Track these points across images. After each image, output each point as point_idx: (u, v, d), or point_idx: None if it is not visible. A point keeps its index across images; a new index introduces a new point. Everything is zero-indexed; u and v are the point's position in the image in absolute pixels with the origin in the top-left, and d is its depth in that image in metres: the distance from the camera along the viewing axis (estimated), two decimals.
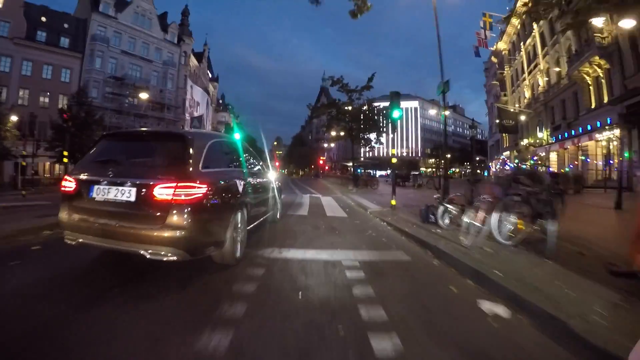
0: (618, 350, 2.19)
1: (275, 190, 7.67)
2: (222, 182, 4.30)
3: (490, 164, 58.79)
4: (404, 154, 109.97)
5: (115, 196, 3.59)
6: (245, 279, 3.85)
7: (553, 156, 33.06)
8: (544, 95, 35.23)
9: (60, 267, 4.15)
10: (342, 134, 27.06)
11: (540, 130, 36.94)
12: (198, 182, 3.63)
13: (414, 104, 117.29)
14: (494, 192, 5.58)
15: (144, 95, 33.03)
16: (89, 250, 4.36)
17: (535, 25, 36.73)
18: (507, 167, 40.62)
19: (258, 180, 6.03)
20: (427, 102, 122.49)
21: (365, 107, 24.74)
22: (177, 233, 3.43)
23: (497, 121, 47.03)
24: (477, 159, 48.56)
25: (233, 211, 4.35)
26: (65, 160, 19.71)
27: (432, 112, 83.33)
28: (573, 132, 28.41)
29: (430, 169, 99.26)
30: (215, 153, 4.48)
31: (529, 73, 40.01)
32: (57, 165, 35.93)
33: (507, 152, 49.79)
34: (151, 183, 3.50)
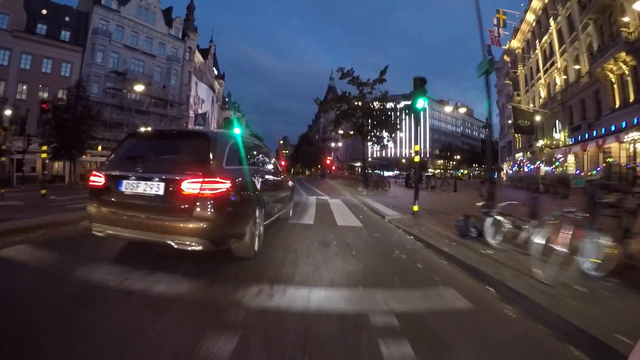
0: None
1: (289, 190, 8.09)
2: (243, 179, 4.48)
3: (502, 165, 57.04)
4: (412, 154, 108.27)
5: (144, 190, 3.81)
6: None
7: (571, 158, 31.28)
8: (562, 94, 33.39)
9: None
10: (351, 132, 25.09)
11: (557, 131, 35.12)
12: (222, 177, 3.85)
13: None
14: (584, 204, 3.92)
15: (139, 88, 31.54)
16: None
17: (552, 22, 34.96)
18: (525, 169, 38.86)
19: (273, 178, 6.24)
20: (436, 102, 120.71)
21: (377, 103, 22.75)
22: (203, 224, 3.65)
23: (511, 121, 45.38)
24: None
25: (252, 206, 4.54)
26: (43, 155, 18.10)
27: (448, 109, 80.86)
28: (595, 133, 26.62)
29: (439, 170, 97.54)
30: (236, 151, 4.70)
31: (545, 72, 38.16)
32: (57, 162, 34.53)
33: (520, 154, 47.96)
34: (179, 178, 3.72)
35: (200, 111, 57.43)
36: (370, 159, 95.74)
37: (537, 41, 40.42)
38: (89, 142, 30.00)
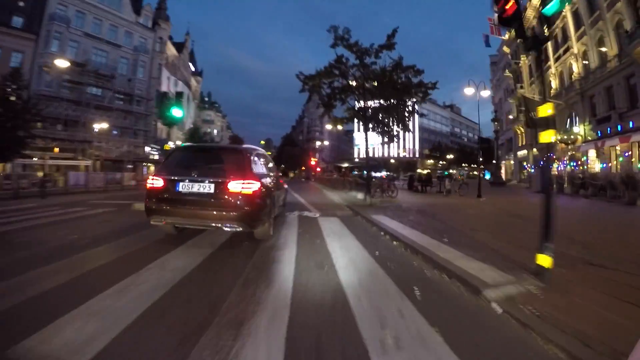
0: None
1: (285, 191, 10.16)
2: (265, 181, 6.06)
3: (501, 164, 52.97)
4: (401, 155, 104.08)
5: (197, 190, 5.22)
6: None
7: (592, 154, 27.00)
8: (580, 83, 29.05)
9: None
10: (345, 120, 17.95)
11: (574, 124, 30.85)
12: (254, 180, 5.45)
13: (410, 101, 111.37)
14: None
15: (62, 63, 25.09)
16: None
17: (566, 4, 30.66)
18: (561, 167, 34.05)
19: (276, 181, 7.98)
20: (430, 102, 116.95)
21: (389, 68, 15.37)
22: (243, 213, 5.19)
23: (512, 116, 41.24)
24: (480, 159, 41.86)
25: (270, 201, 6.24)
26: None
27: (444, 112, 77.05)
28: (632, 125, 22.28)
29: (426, 170, 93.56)
30: (257, 160, 6.43)
31: (557, 60, 33.91)
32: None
33: (524, 152, 43.73)
34: (226, 180, 5.22)
35: None
36: (357, 160, 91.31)
37: (545, 27, 36.23)
38: (27, 141, 24.24)
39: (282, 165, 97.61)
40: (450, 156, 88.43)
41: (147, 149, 42.58)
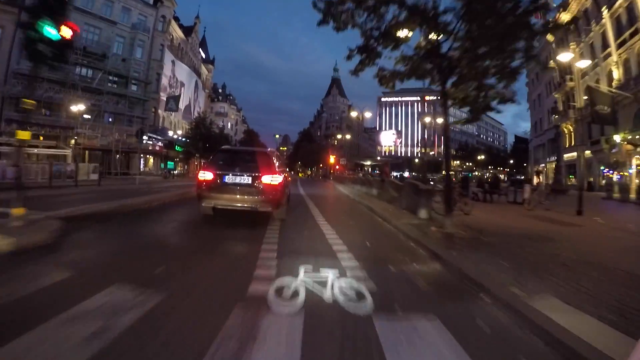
0: None
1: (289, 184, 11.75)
2: (283, 174, 8.30)
3: (535, 169, 46.20)
4: (425, 153, 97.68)
5: (239, 181, 7.00)
6: None
7: None
8: None
9: None
10: (403, 67, 8.43)
11: None
12: (279, 174, 7.40)
13: (435, 97, 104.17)
14: None
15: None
16: None
17: None
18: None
19: (286, 175, 10.32)
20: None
21: None
22: (272, 198, 7.03)
23: (572, 108, 34.52)
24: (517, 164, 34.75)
25: (286, 190, 9.06)
26: None
27: None
28: None
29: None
30: (277, 159, 9.34)
31: (620, 45, 27.21)
32: None
33: (572, 154, 36.86)
34: (261, 175, 7.02)
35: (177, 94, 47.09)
36: (379, 158, 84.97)
37: (604, 8, 29.56)
38: None
39: (299, 162, 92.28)
40: (481, 157, 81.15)
41: (144, 138, 37.40)
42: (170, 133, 43.25)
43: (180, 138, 44.93)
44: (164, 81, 42.74)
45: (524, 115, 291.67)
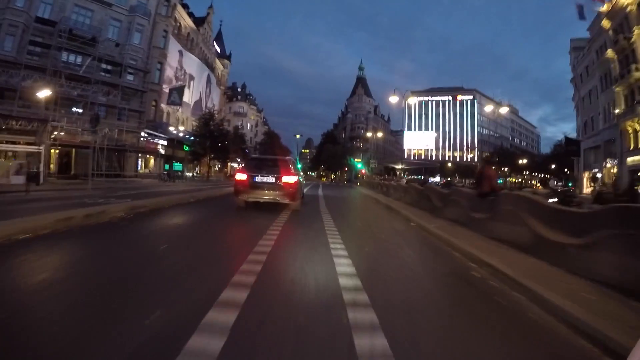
0: None
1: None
2: (299, 176, 11.32)
3: (590, 174, 38.74)
4: (457, 157, 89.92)
5: (266, 180, 9.43)
6: None
7: None
8: None
9: None
10: None
11: None
12: (295, 175, 10.01)
13: (468, 97, 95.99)
14: None
15: None
16: None
17: None
18: None
19: (301, 176, 13.48)
20: (485, 98, 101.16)
21: None
22: (290, 193, 9.44)
23: (619, 109, 27.50)
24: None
25: (302, 188, 12.27)
26: None
27: (503, 110, 63.17)
28: None
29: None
30: (294, 164, 12.13)
31: None
32: None
33: (638, 157, 29.54)
34: (282, 176, 9.47)
35: (186, 89, 42.23)
36: (409, 162, 78.16)
37: None
38: None
39: (322, 166, 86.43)
40: (523, 161, 73.10)
41: (142, 134, 32.40)
42: (174, 130, 38.10)
43: (187, 136, 39.80)
44: (169, 72, 37.78)
45: (549, 119, 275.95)
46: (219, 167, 74.75)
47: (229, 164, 72.68)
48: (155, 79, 35.14)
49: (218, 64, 57.33)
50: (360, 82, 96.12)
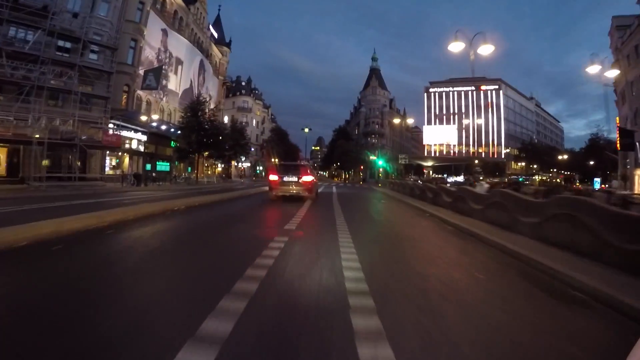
0: None
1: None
2: (315, 176, 18.38)
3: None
4: (482, 153, 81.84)
5: (291, 179, 13.94)
6: None
7: None
8: None
9: None
10: None
11: None
12: (312, 176, 15.19)
13: (493, 87, 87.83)
14: None
15: None
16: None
17: None
18: None
19: (316, 177, 18.76)
20: (511, 89, 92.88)
21: None
22: (309, 188, 14.13)
23: None
24: None
25: (317, 185, 18.66)
26: None
27: (529, 105, 55.63)
28: None
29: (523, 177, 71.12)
30: (312, 167, 24.22)
31: None
32: None
33: None
34: (302, 176, 14.08)
35: (172, 74, 36.22)
36: (431, 158, 70.87)
37: None
38: None
39: (334, 164, 79.85)
40: (563, 156, 65.42)
41: (111, 126, 26.35)
42: (156, 122, 31.95)
43: (173, 130, 33.63)
44: (149, 53, 31.72)
45: (562, 115, 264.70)
46: (222, 167, 68.79)
47: (233, 163, 66.68)
48: (128, 59, 29.07)
49: (215, 50, 51.26)
50: (374, 73, 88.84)
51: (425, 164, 38.35)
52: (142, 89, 29.62)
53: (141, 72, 29.71)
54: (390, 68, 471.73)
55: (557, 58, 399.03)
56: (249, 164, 74.59)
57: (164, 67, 32.93)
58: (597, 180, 64.14)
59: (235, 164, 69.68)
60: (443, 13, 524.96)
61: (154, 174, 30.58)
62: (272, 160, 53.76)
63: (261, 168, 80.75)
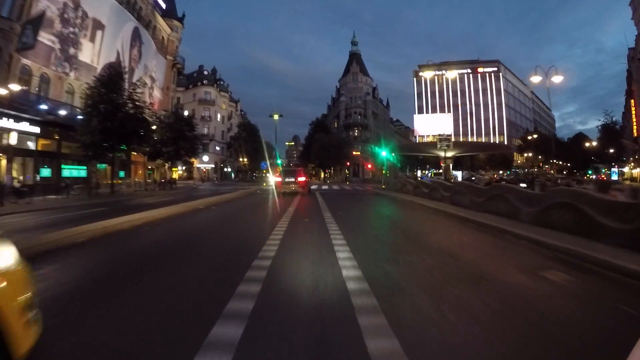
0: None
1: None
2: (309, 177, 35.33)
3: None
4: (481, 142, 74.14)
5: (290, 180, 23.86)
6: None
7: None
8: None
9: None
10: None
11: None
12: (306, 177, 26.42)
13: (491, 69, 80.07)
14: None
15: None
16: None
17: None
18: None
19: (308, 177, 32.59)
20: (510, 72, 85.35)
21: None
22: (304, 187, 23.99)
23: None
24: None
25: (309, 184, 28.41)
26: None
27: (535, 79, 49.09)
28: None
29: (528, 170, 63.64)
30: (306, 169, 41.50)
31: None
32: None
33: None
34: (298, 177, 24.19)
35: (86, 41, 26.15)
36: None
37: None
38: None
39: (312, 163, 70.13)
40: (593, 143, 58.39)
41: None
42: (53, 106, 21.54)
43: (77, 116, 23.14)
44: (45, 5, 21.74)
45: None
46: (183, 169, 58.52)
47: (195, 164, 56.52)
48: (3, 10, 19.06)
49: (162, 22, 41.01)
50: (355, 58, 79.64)
51: (441, 154, 28.27)
52: (17, 49, 19.45)
53: (17, 27, 19.55)
54: (367, 66, 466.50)
55: (531, 52, 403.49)
56: (212, 166, 64.76)
57: (74, 30, 22.71)
58: (615, 170, 57.48)
59: (198, 165, 59.78)
60: (416, 11, 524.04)
61: (15, 184, 19.38)
62: (272, 164, 45.66)
63: (229, 169, 70.73)
